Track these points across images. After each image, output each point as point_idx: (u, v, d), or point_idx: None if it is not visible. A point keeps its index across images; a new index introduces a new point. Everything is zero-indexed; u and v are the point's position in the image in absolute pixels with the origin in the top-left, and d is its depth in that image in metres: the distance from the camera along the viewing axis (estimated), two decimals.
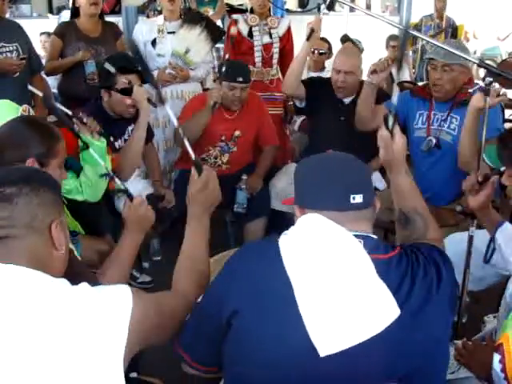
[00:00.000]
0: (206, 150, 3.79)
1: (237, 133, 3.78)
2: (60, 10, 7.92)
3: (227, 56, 4.18)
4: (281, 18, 4.62)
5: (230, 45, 4.37)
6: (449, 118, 3.16)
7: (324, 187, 1.42)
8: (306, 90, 3.71)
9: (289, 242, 1.37)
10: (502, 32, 8.73)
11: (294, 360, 1.31)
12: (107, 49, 4.09)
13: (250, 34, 4.33)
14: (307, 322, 1.28)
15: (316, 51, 5.33)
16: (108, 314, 1.23)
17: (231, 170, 3.84)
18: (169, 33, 4.08)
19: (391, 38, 6.76)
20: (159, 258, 4.01)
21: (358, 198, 1.39)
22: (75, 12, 4.15)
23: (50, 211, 1.33)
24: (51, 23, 5.56)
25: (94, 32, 4.14)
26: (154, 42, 4.09)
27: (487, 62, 3.22)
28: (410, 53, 7.92)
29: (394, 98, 3.71)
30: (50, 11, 8.22)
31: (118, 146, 3.37)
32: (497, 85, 2.39)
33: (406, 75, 6.83)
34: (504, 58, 8.11)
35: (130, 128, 3.43)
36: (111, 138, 3.30)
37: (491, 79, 2.22)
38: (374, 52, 6.94)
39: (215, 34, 4.28)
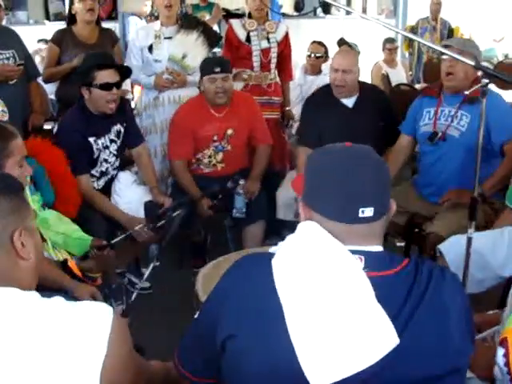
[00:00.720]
0: (200, 151, 3.79)
1: (229, 131, 3.77)
2: (57, 16, 7.93)
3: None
4: (278, 23, 4.63)
5: (228, 49, 4.39)
6: (459, 114, 3.18)
7: (331, 194, 1.28)
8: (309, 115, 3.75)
9: (281, 262, 1.28)
10: (497, 34, 8.75)
11: None
12: None
13: (248, 38, 4.33)
14: (298, 351, 1.19)
15: (313, 55, 5.33)
16: (85, 330, 1.16)
17: (227, 169, 3.83)
18: (165, 38, 4.08)
19: (387, 40, 6.78)
20: (157, 264, 4.00)
21: (368, 212, 1.26)
22: (72, 19, 4.15)
23: (10, 221, 1.23)
24: (48, 30, 5.56)
25: (91, 38, 4.14)
26: (150, 48, 4.09)
27: (483, 63, 3.23)
28: (407, 55, 7.93)
29: None
30: (47, 18, 8.22)
31: (101, 145, 3.37)
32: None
33: (403, 78, 6.84)
34: (500, 59, 8.13)
35: (115, 128, 3.44)
36: (93, 138, 3.32)
37: (487, 81, 2.22)
38: (371, 55, 6.96)
39: (212, 38, 4.28)
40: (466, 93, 2.89)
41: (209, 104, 3.72)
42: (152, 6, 6.01)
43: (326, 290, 1.21)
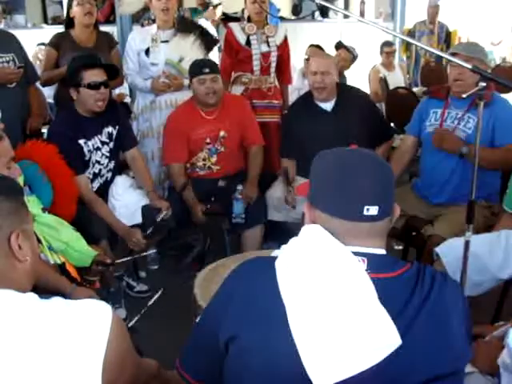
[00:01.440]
0: (194, 154, 3.80)
1: (222, 133, 3.78)
2: (55, 20, 7.94)
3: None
4: (277, 27, 4.64)
5: (228, 53, 4.40)
6: (466, 117, 3.19)
7: (337, 192, 1.30)
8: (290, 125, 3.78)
9: (284, 264, 1.30)
10: (495, 37, 8.76)
11: None
12: (102, 58, 4.09)
13: (248, 42, 4.34)
14: (301, 351, 1.21)
15: (311, 58, 5.33)
16: (85, 330, 1.17)
17: (222, 171, 3.84)
18: (162, 42, 4.08)
19: (385, 44, 6.79)
20: (156, 267, 4.00)
21: (373, 210, 1.28)
22: (70, 22, 4.15)
23: (8, 223, 1.24)
24: (46, 33, 5.56)
25: (89, 42, 4.14)
26: (147, 51, 4.09)
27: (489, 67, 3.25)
28: (405, 58, 7.95)
29: None
30: (45, 21, 8.23)
31: (92, 147, 3.38)
32: None
33: (401, 81, 6.85)
34: (498, 63, 8.14)
35: (106, 130, 3.44)
36: (83, 140, 3.32)
37: (485, 84, 2.22)
38: (368, 58, 6.97)
39: (209, 42, 4.29)
40: (464, 96, 2.90)
41: (199, 107, 3.74)
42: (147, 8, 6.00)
43: (328, 290, 1.23)
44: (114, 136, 3.48)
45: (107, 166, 3.50)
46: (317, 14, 8.75)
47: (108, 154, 3.48)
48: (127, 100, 5.52)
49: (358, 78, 6.65)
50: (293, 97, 5.10)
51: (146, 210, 3.47)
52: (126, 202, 3.46)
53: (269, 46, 4.37)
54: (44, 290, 2.01)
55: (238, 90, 4.35)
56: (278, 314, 1.25)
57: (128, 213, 3.43)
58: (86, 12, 4.03)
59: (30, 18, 7.82)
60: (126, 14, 5.78)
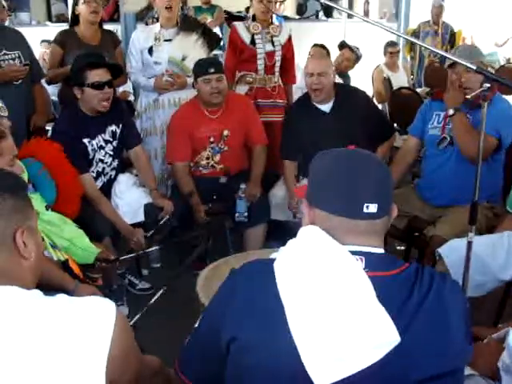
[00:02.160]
0: (197, 153, 3.80)
1: (225, 132, 3.78)
2: (59, 18, 7.95)
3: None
4: (281, 26, 4.63)
5: (232, 52, 4.40)
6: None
7: (337, 190, 1.31)
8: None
9: (283, 265, 1.30)
10: (499, 38, 8.75)
11: None
12: (107, 56, 4.09)
13: (253, 41, 4.34)
14: (301, 351, 1.21)
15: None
16: (89, 327, 1.17)
17: (225, 170, 3.85)
18: (165, 40, 4.09)
19: (389, 44, 6.78)
20: (158, 265, 4.01)
21: (372, 208, 1.29)
22: (75, 20, 4.16)
23: (13, 219, 1.24)
24: (50, 31, 5.57)
25: (94, 40, 4.15)
26: (150, 50, 4.09)
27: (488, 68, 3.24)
28: (408, 59, 7.94)
29: None
30: (49, 19, 8.24)
31: (96, 145, 3.38)
32: None
33: (404, 81, 6.85)
34: (502, 63, 8.13)
35: (110, 128, 3.44)
36: (87, 139, 3.33)
37: (489, 85, 2.22)
38: (372, 58, 6.97)
39: (212, 40, 4.29)
40: (468, 97, 2.90)
41: (203, 106, 3.74)
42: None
43: (326, 289, 1.23)
44: (117, 134, 3.49)
45: (111, 164, 3.50)
46: (321, 13, 8.76)
47: (112, 153, 3.48)
48: (131, 98, 5.52)
49: (362, 78, 6.65)
50: (296, 96, 5.09)
51: (148, 209, 3.48)
52: (129, 200, 3.47)
53: (273, 45, 4.37)
54: (47, 287, 2.01)
55: (242, 89, 4.35)
56: (277, 314, 1.25)
57: (131, 211, 3.44)
58: (92, 10, 4.03)
59: (34, 15, 7.83)
60: (130, 12, 5.78)
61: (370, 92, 5.84)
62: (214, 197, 3.71)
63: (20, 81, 3.77)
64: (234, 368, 1.33)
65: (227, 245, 3.95)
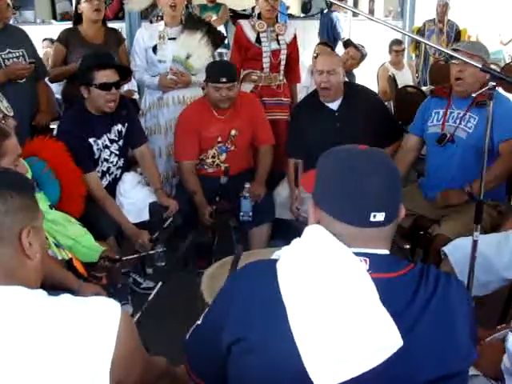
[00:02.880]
0: (204, 151, 3.80)
1: (233, 132, 3.77)
2: (63, 16, 7.96)
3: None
4: (287, 25, 4.63)
5: (237, 50, 4.39)
6: (467, 116, 3.18)
7: (344, 196, 1.27)
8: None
9: (285, 265, 1.29)
10: (505, 36, 8.72)
11: None
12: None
13: (258, 40, 4.33)
14: (303, 352, 1.20)
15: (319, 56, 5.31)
16: (94, 327, 1.17)
17: (231, 170, 3.83)
18: (170, 39, 4.08)
19: (394, 42, 6.77)
20: (163, 264, 4.00)
21: (379, 216, 1.26)
22: (78, 18, 4.16)
23: (19, 218, 1.23)
24: (55, 29, 5.57)
25: (97, 38, 4.15)
26: (155, 48, 4.09)
27: (491, 66, 3.23)
28: (413, 57, 7.92)
29: None
30: (54, 17, 8.25)
31: (101, 145, 3.38)
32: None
33: (410, 79, 6.83)
34: (507, 61, 8.10)
35: (115, 128, 3.44)
36: (93, 139, 3.33)
37: (494, 83, 2.21)
38: (377, 57, 6.96)
39: (216, 39, 4.28)
40: (474, 95, 2.89)
41: (212, 106, 3.72)
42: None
43: (329, 291, 1.22)
44: (123, 134, 3.48)
45: (116, 163, 3.50)
46: (326, 11, 8.73)
47: (117, 152, 3.48)
48: (135, 96, 5.53)
49: (367, 76, 6.64)
50: (301, 95, 5.08)
51: (153, 208, 3.48)
52: (134, 200, 3.47)
53: (279, 43, 4.36)
54: (51, 286, 2.02)
55: (247, 87, 4.34)
56: (279, 315, 1.24)
57: (135, 210, 3.44)
58: (95, 8, 4.03)
59: (38, 13, 7.83)
60: (134, 11, 5.78)
61: (374, 90, 5.82)
62: (217, 198, 3.70)
63: (24, 79, 3.77)
64: (236, 369, 1.32)
65: (232, 244, 3.95)
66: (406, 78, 6.75)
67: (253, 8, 5.92)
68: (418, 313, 1.25)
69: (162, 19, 4.24)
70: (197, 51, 4.09)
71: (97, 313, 1.20)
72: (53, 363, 1.12)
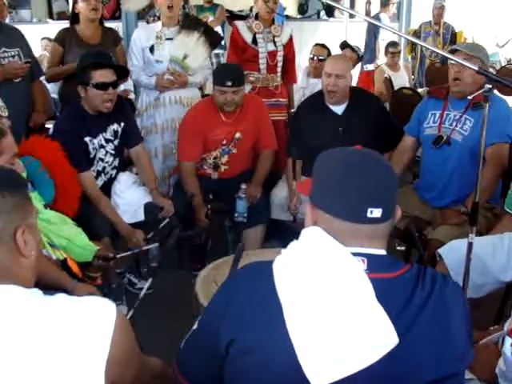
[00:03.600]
0: (207, 151, 3.79)
1: (237, 135, 3.77)
2: (60, 15, 7.95)
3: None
4: (283, 26, 4.63)
5: (234, 51, 4.39)
6: (463, 118, 3.18)
7: (341, 193, 1.29)
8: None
9: (281, 265, 1.29)
10: (501, 39, 8.74)
11: None
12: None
13: (254, 41, 4.33)
14: (298, 350, 1.20)
15: (316, 57, 5.32)
16: (89, 326, 1.16)
17: (229, 172, 3.84)
18: (167, 39, 4.08)
19: (390, 44, 6.78)
20: (157, 265, 4.00)
21: (376, 213, 1.27)
22: (75, 18, 4.15)
23: (13, 218, 1.22)
24: (51, 28, 5.57)
25: (94, 38, 4.14)
26: (152, 49, 4.08)
27: (488, 68, 3.23)
28: (410, 59, 7.93)
29: None
30: (50, 17, 8.23)
31: (97, 144, 3.38)
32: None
33: (406, 81, 6.84)
34: (503, 64, 8.12)
35: (111, 127, 3.43)
36: (88, 138, 3.32)
37: (490, 86, 2.21)
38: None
39: (213, 39, 4.29)
40: (469, 97, 2.89)
41: (218, 108, 3.71)
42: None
43: (326, 290, 1.22)
44: (119, 133, 3.48)
45: (112, 163, 3.49)
46: (322, 13, 8.75)
47: (113, 152, 3.47)
48: (132, 96, 5.52)
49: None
50: (297, 95, 5.10)
51: (148, 208, 3.47)
52: (129, 200, 3.46)
53: (275, 45, 4.37)
54: (45, 286, 2.01)
55: (245, 88, 4.34)
56: (275, 314, 1.24)
57: (130, 210, 3.43)
58: (92, 8, 4.02)
59: (35, 12, 7.82)
60: (131, 11, 5.77)
61: (378, 97, 5.82)
62: (211, 196, 3.70)
63: (19, 78, 3.76)
64: (233, 370, 1.32)
65: (227, 245, 3.94)
66: (402, 79, 6.76)
67: (251, 8, 5.93)
68: (416, 313, 1.25)
69: (158, 19, 4.24)
70: (194, 51, 4.09)
71: (92, 312, 1.19)
72: (48, 362, 1.11)
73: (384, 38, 7.07)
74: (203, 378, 1.43)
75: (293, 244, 1.33)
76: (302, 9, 9.17)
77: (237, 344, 1.28)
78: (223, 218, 3.92)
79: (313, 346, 1.20)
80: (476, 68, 2.19)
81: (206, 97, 4.36)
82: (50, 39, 5.69)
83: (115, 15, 7.33)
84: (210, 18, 7.04)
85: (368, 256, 1.29)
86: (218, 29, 6.76)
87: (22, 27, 4.25)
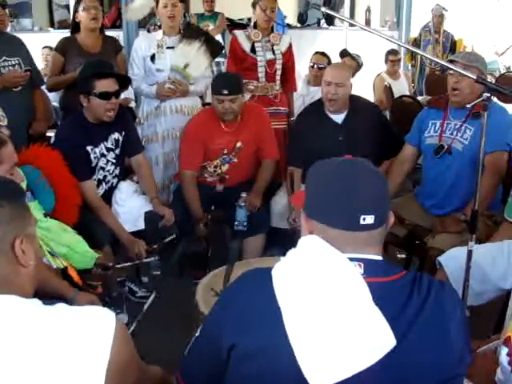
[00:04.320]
0: (208, 160, 3.80)
1: (238, 144, 3.77)
2: (61, 24, 7.96)
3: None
4: (282, 35, 4.65)
5: (233, 61, 4.40)
6: (463, 127, 3.19)
7: (333, 203, 1.31)
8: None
9: (280, 271, 1.32)
10: (500, 47, 8.75)
11: None
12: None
13: (253, 49, 4.35)
14: (298, 353, 1.22)
15: (315, 65, 5.34)
16: (89, 336, 1.16)
17: (229, 181, 3.85)
18: (168, 48, 4.09)
19: (390, 52, 6.79)
20: (158, 273, 3.99)
21: (369, 219, 1.29)
22: (75, 27, 4.16)
23: (11, 228, 1.22)
24: (52, 37, 5.58)
25: (95, 47, 4.15)
26: (153, 57, 4.10)
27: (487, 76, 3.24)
28: (410, 67, 7.95)
29: None
30: (52, 25, 8.25)
31: (98, 153, 3.38)
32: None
33: (406, 89, 6.85)
34: (502, 72, 8.13)
35: (113, 136, 3.45)
36: (90, 147, 3.33)
37: (489, 95, 2.22)
38: (373, 66, 6.98)
39: (214, 48, 4.30)
40: (468, 106, 2.90)
41: (219, 118, 3.71)
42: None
43: (324, 293, 1.24)
44: (120, 142, 3.49)
45: (113, 172, 3.50)
46: (322, 21, 8.76)
47: (114, 161, 3.48)
48: (132, 105, 5.53)
49: (363, 86, 6.65)
50: (297, 103, 5.11)
51: (149, 217, 3.48)
52: (130, 208, 3.47)
53: (274, 53, 4.38)
54: (45, 295, 2.01)
55: (244, 97, 4.35)
56: (274, 319, 1.26)
57: (131, 219, 3.43)
58: (92, 17, 4.04)
59: (36, 21, 7.82)
60: (133, 20, 5.80)
61: (370, 100, 5.83)
62: (213, 207, 3.70)
63: (20, 87, 3.77)
64: (234, 375, 1.33)
65: (227, 252, 3.94)
66: (402, 87, 6.77)
67: (249, 18, 5.95)
68: (413, 317, 1.27)
69: (159, 28, 4.25)
70: (195, 60, 4.10)
71: (92, 322, 1.19)
72: (48, 372, 1.11)
73: None
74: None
75: (291, 252, 1.35)
76: (302, 18, 9.18)
77: (238, 349, 1.29)
78: (223, 227, 3.92)
79: (312, 349, 1.21)
80: (474, 77, 2.20)
81: (206, 106, 4.38)
82: (51, 48, 5.70)
83: (116, 24, 7.35)
84: (210, 27, 7.06)
85: (364, 261, 1.31)
86: (219, 37, 6.78)
87: (23, 36, 4.27)
